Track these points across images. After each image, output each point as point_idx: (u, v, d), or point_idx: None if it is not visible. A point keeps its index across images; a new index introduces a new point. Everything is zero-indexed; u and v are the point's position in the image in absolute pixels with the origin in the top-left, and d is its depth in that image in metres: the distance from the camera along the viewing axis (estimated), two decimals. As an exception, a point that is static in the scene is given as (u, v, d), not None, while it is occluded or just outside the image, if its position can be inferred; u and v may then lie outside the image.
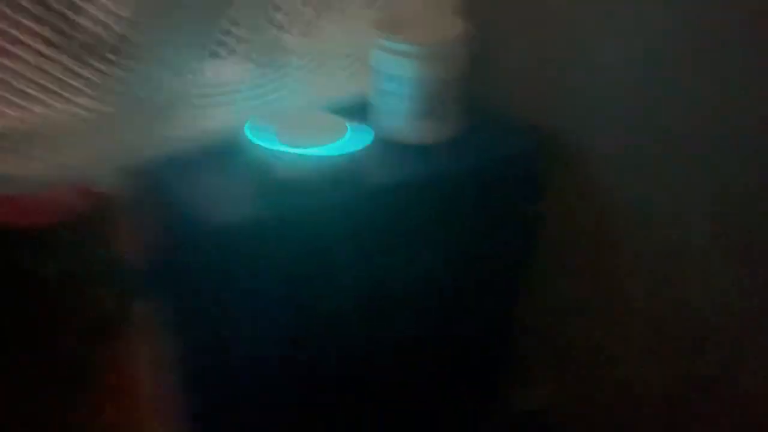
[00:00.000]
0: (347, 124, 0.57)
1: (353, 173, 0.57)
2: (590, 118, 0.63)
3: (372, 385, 0.68)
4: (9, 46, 0.51)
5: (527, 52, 0.67)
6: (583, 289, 0.71)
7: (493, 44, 0.66)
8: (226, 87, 0.62)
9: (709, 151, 0.56)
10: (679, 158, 0.58)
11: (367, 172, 0.58)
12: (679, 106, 0.57)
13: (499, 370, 0.80)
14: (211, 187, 0.56)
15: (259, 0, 0.60)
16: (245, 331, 0.58)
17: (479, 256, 0.68)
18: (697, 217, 0.59)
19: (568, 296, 0.73)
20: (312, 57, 0.65)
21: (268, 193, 0.55)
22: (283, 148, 0.54)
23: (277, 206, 0.55)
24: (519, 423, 0.80)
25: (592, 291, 0.70)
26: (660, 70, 0.57)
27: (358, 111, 0.61)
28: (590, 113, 0.63)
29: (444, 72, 0.60)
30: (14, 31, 0.50)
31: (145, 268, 0.71)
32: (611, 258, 0.67)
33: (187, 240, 0.57)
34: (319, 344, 0.62)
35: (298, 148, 0.54)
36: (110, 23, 0.53)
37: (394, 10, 0.66)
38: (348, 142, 0.57)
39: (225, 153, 0.58)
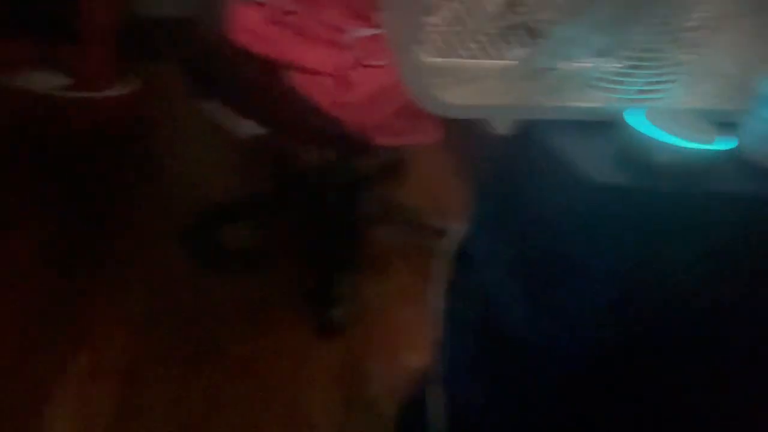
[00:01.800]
0: (716, 134, 0.65)
1: (713, 175, 0.65)
2: None
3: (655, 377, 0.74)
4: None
5: None
6: None
7: None
8: (613, 77, 0.73)
9: None
10: None
11: (726, 178, 0.65)
12: None
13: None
14: (590, 152, 0.67)
15: (660, 22, 0.69)
16: (565, 290, 0.68)
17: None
18: None
19: None
20: (695, 72, 0.73)
21: (638, 169, 0.64)
22: (658, 137, 0.63)
23: (640, 181, 0.64)
24: None
25: None
26: None
27: (724, 126, 0.68)
28: None
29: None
30: None
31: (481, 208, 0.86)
32: None
33: (549, 189, 0.69)
34: (628, 322, 0.70)
35: (676, 140, 0.63)
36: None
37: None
38: (714, 146, 0.64)
39: (606, 129, 0.69)
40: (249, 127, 1.41)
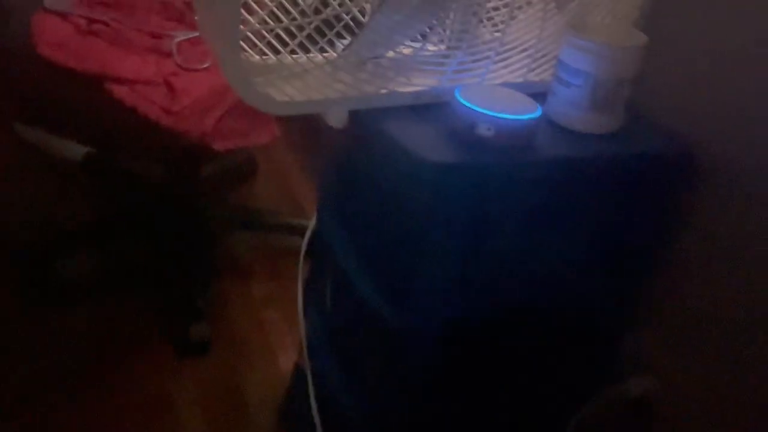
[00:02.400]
0: (537, 103, 0.70)
1: (532, 143, 0.70)
2: (736, 130, 0.73)
3: (510, 343, 0.80)
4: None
5: (686, 64, 0.78)
6: (713, 295, 0.79)
7: (658, 55, 0.77)
8: (433, 61, 0.76)
9: None
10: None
11: (543, 145, 0.71)
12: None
13: (614, 353, 0.90)
14: (422, 134, 0.70)
15: (468, 5, 0.74)
16: (412, 267, 0.71)
17: (614, 239, 0.78)
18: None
19: (694, 302, 0.81)
20: (504, 48, 0.78)
21: (462, 145, 0.68)
22: (484, 111, 0.68)
23: (468, 156, 0.68)
24: (628, 409, 0.89)
25: (721, 300, 0.78)
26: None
27: (537, 97, 0.74)
28: (737, 127, 0.73)
29: (622, 73, 0.72)
30: None
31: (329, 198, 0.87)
32: (748, 263, 0.75)
33: (387, 173, 0.72)
34: (474, 291, 0.74)
35: (496, 113, 0.67)
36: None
37: (584, 17, 0.79)
38: (536, 117, 0.69)
39: (430, 111, 0.72)
40: (76, 149, 1.32)
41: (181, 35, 1.08)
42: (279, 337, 1.29)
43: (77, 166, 1.42)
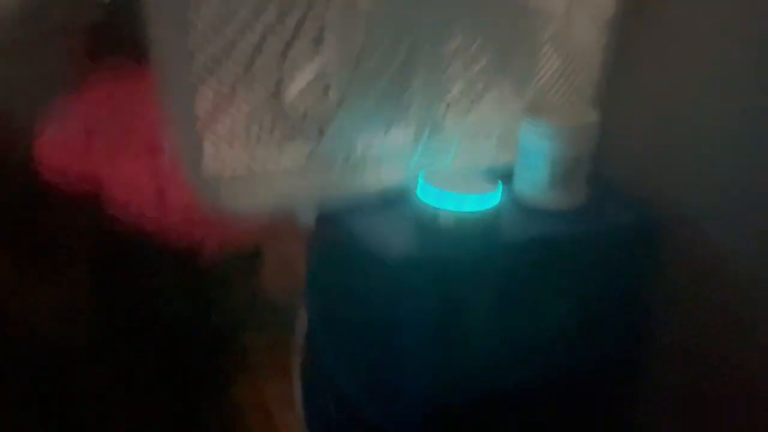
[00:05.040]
0: (499, 187, 0.71)
1: (496, 227, 0.71)
2: (702, 196, 0.74)
3: (502, 425, 0.78)
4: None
5: (646, 136, 0.80)
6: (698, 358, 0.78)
7: (616, 130, 0.79)
8: (398, 151, 0.78)
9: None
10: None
11: (508, 227, 0.71)
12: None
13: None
14: (385, 229, 0.71)
15: (433, 87, 0.76)
16: (390, 360, 0.71)
17: (588, 312, 0.77)
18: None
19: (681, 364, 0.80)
20: (468, 133, 0.80)
21: (427, 238, 0.69)
22: (442, 202, 0.69)
23: (432, 249, 0.69)
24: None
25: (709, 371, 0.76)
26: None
27: (503, 179, 0.75)
28: (702, 193, 0.73)
29: (578, 150, 0.73)
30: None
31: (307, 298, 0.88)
32: (728, 325, 0.74)
33: (358, 270, 0.73)
34: (454, 378, 0.73)
35: (455, 202, 0.68)
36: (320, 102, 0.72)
37: (540, 99, 0.81)
38: (496, 205, 0.70)
39: (396, 203, 0.73)
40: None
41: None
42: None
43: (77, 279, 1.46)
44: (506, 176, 0.78)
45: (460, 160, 0.80)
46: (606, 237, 0.74)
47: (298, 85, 0.72)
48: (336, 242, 0.77)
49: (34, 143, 1.13)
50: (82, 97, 1.30)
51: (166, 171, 1.08)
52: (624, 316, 0.79)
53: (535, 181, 0.75)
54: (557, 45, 0.80)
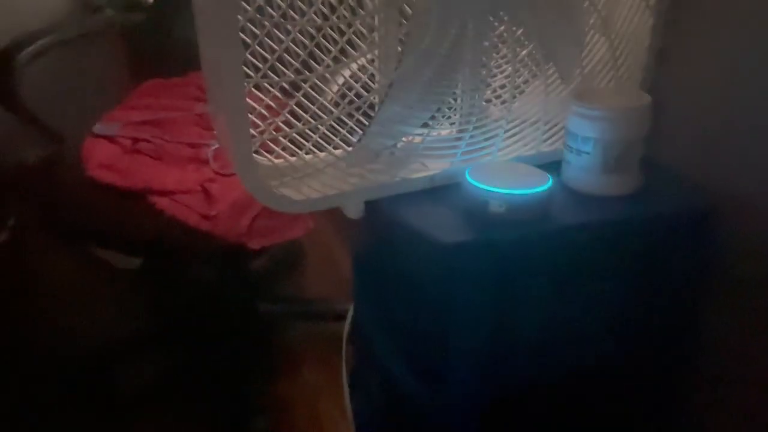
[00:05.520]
0: (549, 175, 0.70)
1: (548, 212, 0.70)
2: (758, 179, 0.72)
3: (551, 412, 0.78)
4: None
5: (700, 119, 0.78)
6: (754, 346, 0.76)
7: (668, 113, 0.78)
8: (445, 141, 0.78)
9: None
10: None
11: (560, 212, 0.71)
12: None
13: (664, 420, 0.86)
14: (435, 216, 0.71)
15: (478, 76, 0.76)
16: (441, 348, 0.71)
17: (644, 299, 0.76)
18: None
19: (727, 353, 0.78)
20: (514, 121, 0.80)
21: (478, 224, 0.69)
22: (491, 190, 0.69)
23: (485, 233, 0.68)
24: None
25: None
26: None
27: (551, 167, 0.74)
28: (758, 176, 0.72)
29: (631, 134, 0.72)
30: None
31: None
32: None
33: (408, 257, 0.73)
34: (505, 365, 0.73)
35: (506, 190, 0.68)
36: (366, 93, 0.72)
37: (589, 84, 0.80)
38: (547, 188, 0.70)
39: (445, 193, 0.73)
40: (126, 261, 1.39)
41: (217, 143, 1.15)
42: (334, 426, 1.28)
43: (132, 276, 1.49)
44: (554, 164, 0.77)
45: (506, 148, 0.79)
46: (660, 221, 0.73)
47: (344, 76, 0.73)
48: (385, 231, 0.77)
49: (85, 143, 1.17)
50: (132, 97, 1.34)
51: (213, 167, 1.11)
52: (679, 302, 0.78)
53: (585, 167, 0.74)
54: (603, 30, 0.79)
